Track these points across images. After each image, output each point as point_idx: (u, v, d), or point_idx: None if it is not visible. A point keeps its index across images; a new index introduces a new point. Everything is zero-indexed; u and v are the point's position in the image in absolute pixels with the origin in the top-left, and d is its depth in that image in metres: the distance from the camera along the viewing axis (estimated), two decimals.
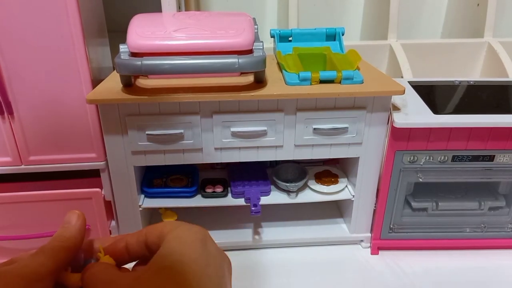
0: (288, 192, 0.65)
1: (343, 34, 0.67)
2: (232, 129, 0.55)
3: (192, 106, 0.54)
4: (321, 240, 0.67)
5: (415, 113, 0.56)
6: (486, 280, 0.61)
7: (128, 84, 0.54)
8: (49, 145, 0.59)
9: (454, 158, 0.58)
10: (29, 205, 0.59)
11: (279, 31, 0.67)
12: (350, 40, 0.96)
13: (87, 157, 0.60)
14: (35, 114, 0.56)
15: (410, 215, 0.65)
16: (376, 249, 0.66)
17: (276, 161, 0.70)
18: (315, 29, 0.67)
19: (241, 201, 0.63)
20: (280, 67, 0.60)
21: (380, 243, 0.66)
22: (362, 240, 0.67)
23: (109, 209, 0.63)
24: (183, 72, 0.48)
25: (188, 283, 0.24)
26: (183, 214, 0.65)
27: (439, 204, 0.64)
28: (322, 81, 0.55)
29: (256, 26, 0.57)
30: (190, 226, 0.28)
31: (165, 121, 0.54)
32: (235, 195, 0.64)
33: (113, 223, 0.66)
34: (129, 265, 0.30)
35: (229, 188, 0.65)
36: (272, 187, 0.66)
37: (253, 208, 0.60)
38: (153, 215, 0.71)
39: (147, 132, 0.54)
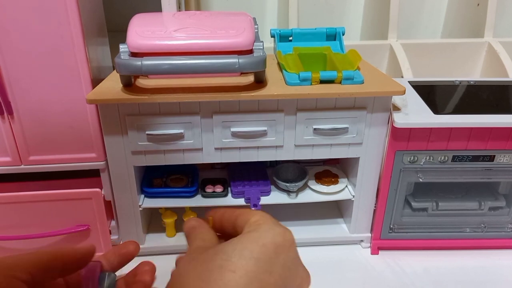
0: (288, 192, 0.65)
1: (343, 34, 0.67)
2: (232, 129, 0.55)
3: (192, 106, 0.54)
4: (321, 240, 0.67)
5: (415, 113, 0.56)
6: (486, 280, 0.61)
7: (128, 84, 0.54)
8: (49, 145, 0.59)
9: (454, 158, 0.58)
10: (29, 205, 0.59)
11: (280, 31, 0.67)
12: (350, 40, 0.96)
13: (87, 157, 0.60)
14: (35, 114, 0.56)
15: (410, 215, 0.65)
16: (376, 249, 0.66)
17: (276, 161, 0.70)
18: (315, 29, 0.67)
19: (241, 201, 0.63)
20: (281, 67, 0.60)
21: (380, 243, 0.66)
22: (362, 240, 0.67)
23: (109, 209, 0.63)
24: (183, 72, 0.48)
25: (234, 281, 0.24)
26: (183, 214, 0.65)
27: (439, 204, 0.64)
28: (322, 81, 0.55)
29: (256, 26, 0.57)
30: (275, 226, 0.28)
31: (165, 121, 0.54)
32: (235, 195, 0.64)
33: (113, 223, 0.66)
34: None
35: (229, 188, 0.65)
36: (272, 187, 0.66)
37: (253, 208, 0.60)
38: (153, 215, 0.71)
39: (147, 132, 0.54)
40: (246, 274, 0.24)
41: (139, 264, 0.35)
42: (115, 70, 0.56)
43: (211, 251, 0.26)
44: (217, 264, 0.25)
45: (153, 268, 0.34)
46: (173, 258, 0.41)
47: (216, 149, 0.57)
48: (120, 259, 0.34)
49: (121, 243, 0.65)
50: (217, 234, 0.31)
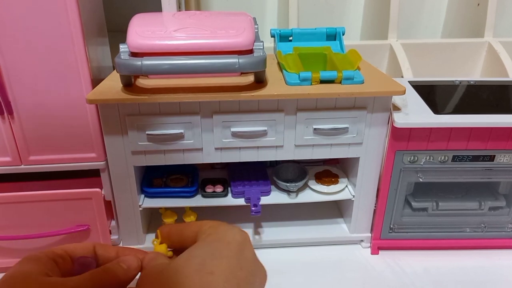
0: (288, 192, 0.65)
1: (343, 34, 0.67)
2: (232, 129, 0.55)
3: (192, 106, 0.54)
4: (321, 240, 0.67)
5: (415, 113, 0.56)
6: (486, 280, 0.61)
7: (128, 84, 0.54)
8: (49, 145, 0.59)
9: (455, 158, 0.58)
10: (29, 205, 0.59)
11: (280, 31, 0.67)
12: (351, 40, 0.96)
13: (87, 157, 0.60)
14: (35, 114, 0.56)
15: (410, 215, 0.65)
16: (376, 249, 0.66)
17: (276, 161, 0.70)
18: (315, 28, 0.67)
19: (241, 201, 0.63)
20: (281, 67, 0.60)
21: (380, 243, 0.66)
22: (362, 240, 0.67)
23: (109, 209, 0.63)
24: (183, 72, 0.48)
25: (215, 281, 0.25)
26: (183, 214, 0.65)
27: (439, 204, 0.64)
28: (322, 81, 0.55)
29: (256, 26, 0.57)
30: (231, 227, 0.29)
31: (165, 121, 0.54)
32: (235, 195, 0.64)
33: (113, 223, 0.66)
34: None
35: (229, 188, 0.65)
36: (272, 187, 0.66)
37: (253, 208, 0.60)
38: (153, 215, 0.71)
39: (147, 132, 0.54)
40: (222, 273, 0.25)
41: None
42: (115, 70, 0.56)
43: (181, 258, 0.27)
44: (193, 269, 0.25)
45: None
46: None
47: (216, 149, 0.57)
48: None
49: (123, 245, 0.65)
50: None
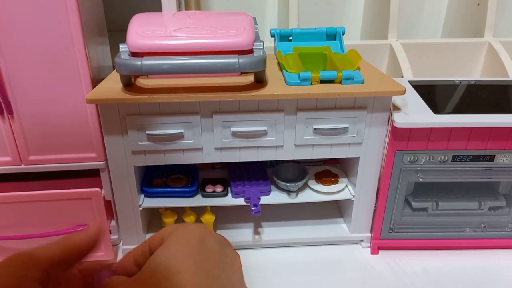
0: (288, 192, 0.65)
1: (343, 34, 0.67)
2: (232, 129, 0.55)
3: (192, 106, 0.54)
4: (321, 240, 0.67)
5: (415, 113, 0.56)
6: (486, 280, 0.61)
7: (128, 83, 0.54)
8: (49, 144, 0.59)
9: (454, 158, 0.58)
10: (29, 205, 0.58)
11: (280, 31, 0.67)
12: (351, 40, 0.96)
13: (87, 156, 0.60)
14: (35, 114, 0.56)
15: (410, 215, 0.65)
16: (376, 249, 0.66)
17: (276, 160, 0.70)
18: (315, 28, 0.67)
19: (241, 201, 0.63)
20: (281, 67, 0.60)
21: (380, 242, 0.66)
22: (362, 240, 0.67)
23: (109, 208, 0.63)
24: (183, 72, 0.48)
25: (184, 279, 0.25)
26: (183, 214, 0.65)
27: (439, 204, 0.64)
28: (322, 81, 0.55)
29: (256, 26, 0.57)
30: (188, 225, 0.29)
31: (165, 121, 0.54)
32: (235, 195, 0.64)
33: (113, 222, 0.66)
34: None
35: (229, 188, 0.65)
36: (272, 187, 0.66)
37: (253, 208, 0.60)
38: (153, 215, 0.71)
39: (147, 132, 0.54)
40: (189, 269, 0.25)
41: None
42: (115, 70, 0.56)
43: (146, 268, 0.27)
44: (160, 276, 0.25)
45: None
46: None
47: (216, 149, 0.57)
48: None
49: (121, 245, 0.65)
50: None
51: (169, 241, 0.28)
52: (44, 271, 0.25)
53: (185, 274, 0.25)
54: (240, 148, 0.57)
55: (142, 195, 0.63)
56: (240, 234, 0.67)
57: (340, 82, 0.55)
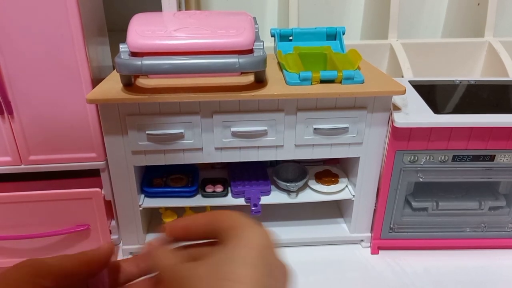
0: (288, 191, 0.65)
1: (343, 34, 0.67)
2: (233, 129, 0.55)
3: (193, 106, 0.54)
4: (321, 240, 0.67)
5: (415, 113, 0.56)
6: (486, 280, 0.61)
7: (128, 83, 0.54)
8: (49, 144, 0.59)
9: (455, 158, 0.58)
10: (29, 205, 0.58)
11: (280, 31, 0.67)
12: (351, 40, 0.96)
13: (87, 156, 0.60)
14: (35, 114, 0.56)
15: (410, 215, 0.65)
16: (376, 249, 0.66)
17: (276, 160, 0.70)
18: (315, 28, 0.67)
19: (241, 201, 0.63)
20: (281, 67, 0.60)
21: (380, 242, 0.66)
22: (362, 240, 0.67)
23: (109, 208, 0.63)
24: (183, 72, 0.48)
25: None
26: (183, 214, 0.65)
27: (440, 204, 0.64)
28: (322, 81, 0.55)
29: (256, 26, 0.57)
30: (254, 228, 0.28)
31: (165, 121, 0.54)
32: (235, 195, 0.64)
33: (113, 222, 0.66)
34: None
35: (229, 188, 0.65)
36: (272, 187, 0.66)
37: (253, 208, 0.60)
38: (153, 215, 0.71)
39: (147, 132, 0.54)
40: (250, 282, 0.25)
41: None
42: (115, 70, 0.56)
43: (204, 265, 0.27)
44: (219, 278, 0.25)
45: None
46: None
47: (216, 149, 0.57)
48: (149, 267, 0.34)
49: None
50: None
51: (234, 240, 0.27)
52: (55, 281, 0.25)
53: (245, 285, 0.25)
54: (240, 148, 0.57)
55: (142, 195, 0.63)
56: None
57: (340, 82, 0.55)
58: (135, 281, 0.34)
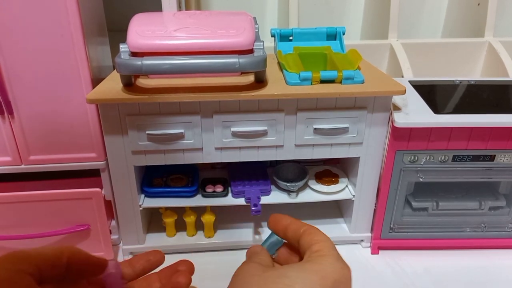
0: (288, 191, 0.65)
1: (343, 34, 0.67)
2: (233, 129, 0.55)
3: (193, 106, 0.54)
4: None
5: (415, 113, 0.56)
6: (487, 280, 0.61)
7: (128, 83, 0.54)
8: (49, 144, 0.59)
9: (455, 158, 0.58)
10: (29, 205, 0.58)
11: (280, 31, 0.67)
12: (351, 40, 0.96)
13: (87, 156, 0.60)
14: (35, 114, 0.56)
15: (410, 215, 0.65)
16: (376, 249, 0.66)
17: (276, 160, 0.70)
18: (315, 28, 0.67)
19: (241, 201, 0.63)
20: (281, 67, 0.60)
21: (381, 242, 0.66)
22: (362, 240, 0.67)
23: (109, 208, 0.63)
24: (183, 72, 0.48)
25: None
26: (183, 214, 0.65)
27: (440, 204, 0.64)
28: (322, 81, 0.55)
29: (256, 26, 0.57)
30: (336, 261, 0.31)
31: (166, 121, 0.54)
32: (235, 195, 0.64)
33: (113, 222, 0.66)
34: None
35: (229, 188, 0.65)
36: (273, 186, 0.66)
37: (253, 208, 0.60)
38: (153, 215, 0.71)
39: (147, 132, 0.54)
40: None
41: (177, 261, 0.37)
42: (115, 70, 0.56)
43: (275, 272, 0.29)
44: (280, 287, 0.27)
45: (190, 268, 0.36)
46: (173, 258, 0.41)
47: (216, 149, 0.57)
48: (145, 266, 0.36)
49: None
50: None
51: (312, 262, 0.30)
52: (36, 266, 0.26)
53: None
54: (240, 148, 0.57)
55: (142, 195, 0.63)
56: (240, 234, 0.67)
57: (340, 82, 0.55)
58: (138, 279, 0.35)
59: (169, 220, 0.65)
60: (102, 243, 0.63)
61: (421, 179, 0.60)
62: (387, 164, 0.59)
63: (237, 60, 0.48)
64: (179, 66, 0.48)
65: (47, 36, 0.52)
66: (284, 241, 0.36)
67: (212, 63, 0.48)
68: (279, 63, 0.63)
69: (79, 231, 0.61)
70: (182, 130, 0.55)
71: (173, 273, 0.36)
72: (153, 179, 0.64)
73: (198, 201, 0.63)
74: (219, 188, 0.64)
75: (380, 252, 0.66)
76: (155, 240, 0.66)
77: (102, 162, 0.60)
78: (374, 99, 0.55)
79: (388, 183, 0.60)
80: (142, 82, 0.56)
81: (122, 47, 0.50)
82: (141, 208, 0.61)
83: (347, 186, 0.66)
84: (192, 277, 0.35)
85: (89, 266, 0.31)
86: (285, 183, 0.64)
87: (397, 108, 0.57)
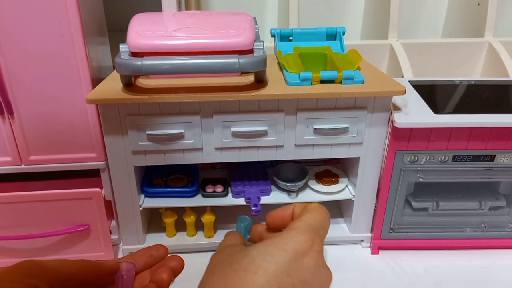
0: (288, 192, 0.65)
1: (343, 34, 0.67)
2: (233, 129, 0.55)
3: (193, 106, 0.54)
4: None
5: (415, 113, 0.56)
6: (486, 280, 0.61)
7: (128, 83, 0.54)
8: (49, 144, 0.59)
9: (455, 158, 0.58)
10: (29, 205, 0.58)
11: (280, 31, 0.67)
12: (351, 40, 0.96)
13: (87, 156, 0.60)
14: (35, 114, 0.56)
15: (410, 215, 0.65)
16: (376, 249, 0.66)
17: (276, 160, 0.70)
18: (315, 28, 0.67)
19: (241, 201, 0.63)
20: (281, 67, 0.60)
21: (381, 242, 0.66)
22: (362, 240, 0.67)
23: (109, 209, 0.63)
24: (183, 72, 0.48)
25: (256, 280, 0.27)
26: (183, 214, 0.65)
27: (440, 204, 0.64)
28: (322, 81, 0.55)
29: (256, 26, 0.57)
30: (300, 235, 0.32)
31: (166, 121, 0.54)
32: (235, 195, 0.64)
33: (113, 222, 0.66)
34: None
35: (229, 188, 0.65)
36: (273, 187, 0.66)
37: (253, 208, 0.60)
38: (153, 215, 0.71)
39: (147, 132, 0.54)
40: (266, 274, 0.27)
41: (168, 257, 0.37)
42: (115, 70, 0.56)
43: (240, 253, 0.30)
44: (242, 267, 0.28)
45: (177, 265, 0.36)
46: None
47: (216, 149, 0.57)
48: (148, 261, 0.36)
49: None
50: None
51: (275, 238, 0.31)
52: (49, 284, 0.26)
53: (259, 277, 0.27)
54: (240, 148, 0.57)
55: (142, 195, 0.63)
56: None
57: (340, 82, 0.55)
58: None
59: (169, 220, 0.65)
60: (102, 243, 0.63)
61: (421, 179, 0.60)
62: (387, 164, 0.59)
63: (237, 60, 0.48)
64: (179, 66, 0.48)
65: (47, 36, 0.52)
66: (250, 219, 0.40)
67: (212, 63, 0.48)
68: (279, 63, 0.63)
69: (79, 231, 0.61)
70: (182, 130, 0.55)
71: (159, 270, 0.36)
72: (153, 179, 0.64)
73: (198, 201, 0.63)
74: (219, 188, 0.64)
75: (380, 252, 0.66)
76: (155, 240, 0.66)
77: (102, 162, 0.60)
78: (374, 99, 0.55)
79: (388, 183, 0.60)
80: (142, 82, 0.56)
81: (122, 47, 0.50)
82: (141, 208, 0.61)
83: (347, 186, 0.66)
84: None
85: (103, 277, 0.30)
86: (285, 183, 0.64)
87: (397, 108, 0.57)
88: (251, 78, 0.56)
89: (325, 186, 0.65)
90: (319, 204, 0.37)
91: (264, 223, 0.39)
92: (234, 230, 0.39)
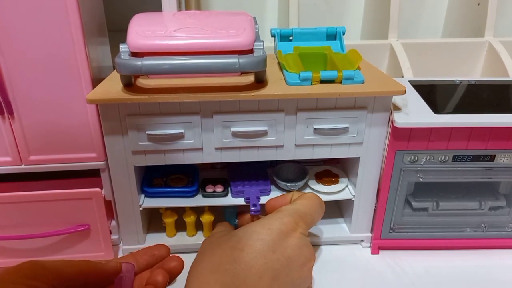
0: (288, 192, 0.65)
1: (343, 34, 0.67)
2: (233, 129, 0.55)
3: (193, 106, 0.54)
4: (321, 240, 0.67)
5: (415, 113, 0.56)
6: (486, 280, 0.61)
7: (129, 84, 0.54)
8: (49, 144, 0.59)
9: (455, 158, 0.58)
10: (29, 205, 0.58)
11: (280, 31, 0.67)
12: (351, 40, 0.96)
13: (87, 157, 0.60)
14: (35, 114, 0.56)
15: (410, 215, 0.65)
16: (376, 249, 0.66)
17: (276, 160, 0.70)
18: (315, 28, 0.67)
19: (241, 201, 0.63)
20: (281, 67, 0.60)
21: (381, 242, 0.66)
22: (362, 240, 0.67)
23: (109, 209, 0.63)
24: (183, 72, 0.48)
25: (243, 256, 0.30)
26: (183, 214, 0.65)
27: (440, 204, 0.64)
28: (322, 81, 0.55)
29: (256, 26, 0.57)
30: (285, 217, 0.35)
31: (166, 121, 0.54)
32: (235, 195, 0.64)
33: (113, 222, 0.66)
34: None
35: (229, 188, 0.65)
36: (273, 186, 0.66)
37: (252, 208, 0.60)
38: (153, 215, 0.71)
39: (147, 132, 0.54)
40: (252, 252, 0.29)
41: (168, 258, 0.38)
42: (115, 70, 0.56)
43: (227, 235, 0.33)
44: (229, 246, 0.31)
45: (177, 266, 0.36)
46: None
47: (216, 149, 0.57)
48: (150, 260, 0.36)
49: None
50: None
51: (262, 219, 0.34)
52: (51, 284, 0.26)
53: (246, 254, 0.29)
54: (240, 148, 0.57)
55: (142, 195, 0.63)
56: None
57: (341, 82, 0.55)
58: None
59: (169, 220, 0.65)
60: (102, 243, 0.63)
61: (421, 179, 0.60)
62: (387, 164, 0.59)
63: (237, 60, 0.48)
64: (179, 66, 0.48)
65: (47, 36, 0.52)
66: (236, 208, 0.42)
67: (212, 63, 0.48)
68: (279, 63, 0.63)
69: (79, 231, 0.61)
70: (182, 130, 0.55)
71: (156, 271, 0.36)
72: (153, 179, 0.64)
73: (198, 201, 0.63)
74: (219, 188, 0.64)
75: (380, 252, 0.66)
76: (155, 240, 0.66)
77: (102, 162, 0.60)
78: (374, 99, 0.55)
79: (388, 183, 0.60)
80: (142, 82, 0.56)
81: (122, 47, 0.50)
82: (141, 208, 0.61)
83: (347, 186, 0.66)
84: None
85: (104, 278, 0.30)
86: (285, 183, 0.64)
87: (397, 108, 0.57)
88: (251, 78, 0.56)
89: (325, 186, 0.65)
90: (314, 194, 0.39)
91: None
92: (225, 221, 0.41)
